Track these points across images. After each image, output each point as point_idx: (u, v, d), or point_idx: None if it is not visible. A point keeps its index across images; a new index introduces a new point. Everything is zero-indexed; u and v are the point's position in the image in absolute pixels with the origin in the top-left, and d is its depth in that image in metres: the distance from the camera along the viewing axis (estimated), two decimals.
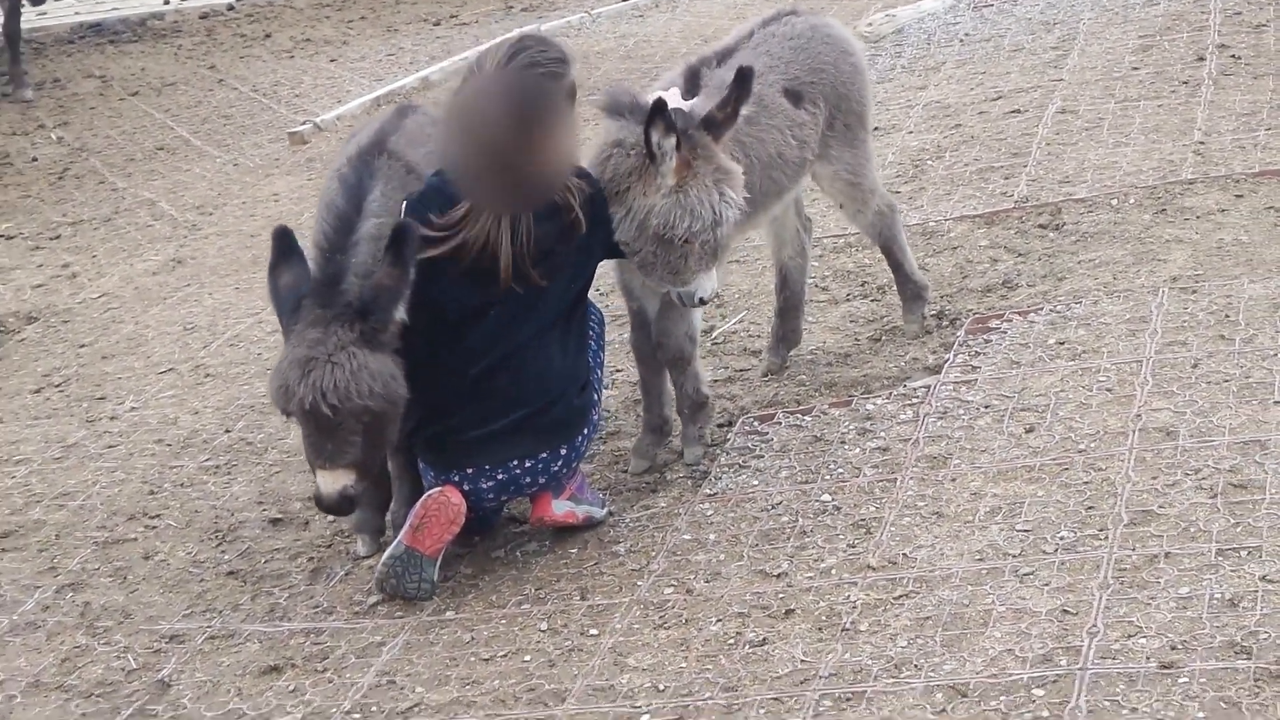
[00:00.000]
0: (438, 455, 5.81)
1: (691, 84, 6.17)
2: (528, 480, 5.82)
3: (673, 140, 5.66)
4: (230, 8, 17.72)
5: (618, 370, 7.21)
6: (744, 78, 5.84)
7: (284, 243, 5.61)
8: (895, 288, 7.15)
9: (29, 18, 15.43)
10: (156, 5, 18.08)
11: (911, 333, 7.00)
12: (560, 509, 5.91)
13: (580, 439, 5.88)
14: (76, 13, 18.04)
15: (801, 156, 6.52)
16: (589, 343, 5.96)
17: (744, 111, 5.87)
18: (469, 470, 5.76)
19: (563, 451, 5.82)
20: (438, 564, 5.75)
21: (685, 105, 5.88)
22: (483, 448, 5.75)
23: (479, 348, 5.69)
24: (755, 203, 6.20)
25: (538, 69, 5.51)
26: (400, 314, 5.45)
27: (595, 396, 5.98)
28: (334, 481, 5.46)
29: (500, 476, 5.78)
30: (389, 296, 5.42)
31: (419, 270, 5.47)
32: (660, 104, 5.63)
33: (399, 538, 5.74)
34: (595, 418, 5.98)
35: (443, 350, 5.71)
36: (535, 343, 5.71)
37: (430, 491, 5.77)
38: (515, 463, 5.77)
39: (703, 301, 5.91)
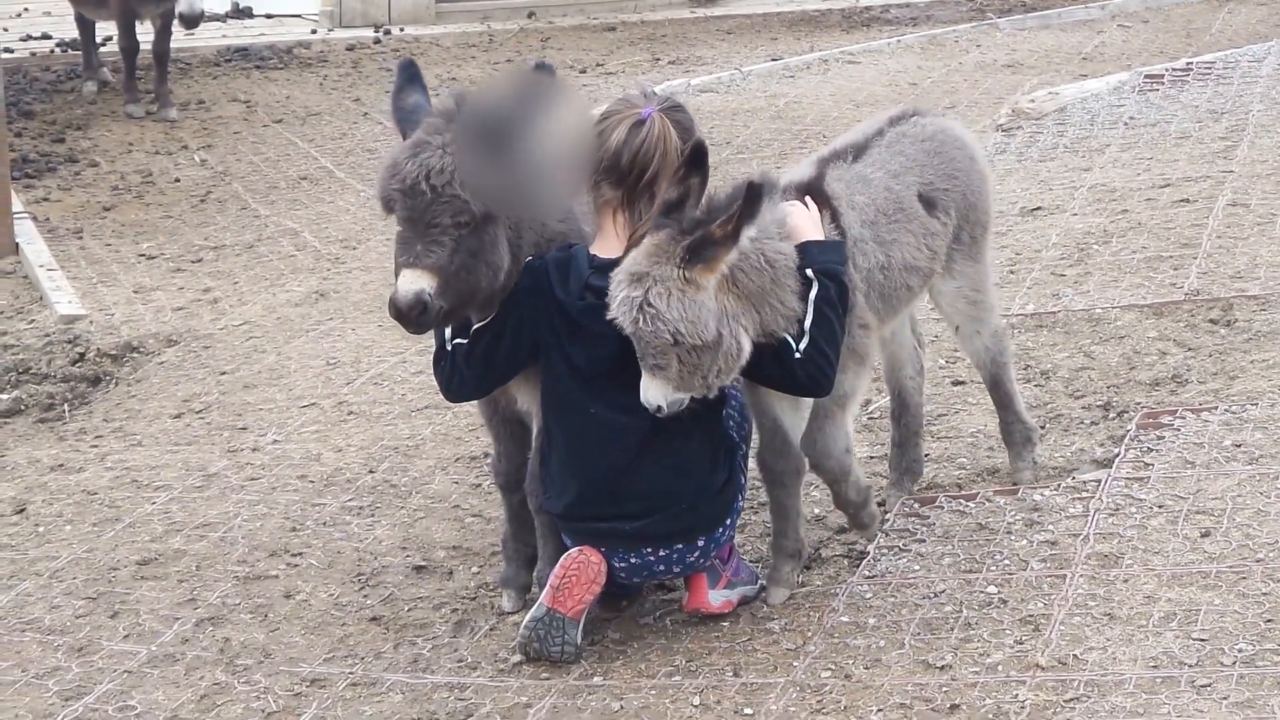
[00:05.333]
0: (573, 537, 5.71)
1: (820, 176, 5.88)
2: (661, 568, 5.69)
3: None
4: (377, 41, 17.76)
5: None
6: (754, 196, 5.21)
7: (409, 71, 5.82)
8: (1000, 430, 6.58)
9: (177, 38, 15.46)
10: (304, 34, 18.15)
11: (1024, 480, 6.43)
12: (717, 600, 5.74)
13: (721, 530, 5.70)
14: (224, 36, 18.13)
15: (930, 268, 6.13)
16: (729, 426, 5.74)
17: (749, 234, 5.24)
18: (602, 549, 5.64)
19: (699, 543, 5.66)
20: (580, 626, 5.59)
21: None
22: (614, 538, 5.63)
23: (595, 451, 5.57)
24: (890, 308, 5.98)
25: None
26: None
27: (741, 479, 5.76)
28: (413, 280, 5.32)
29: (633, 560, 5.65)
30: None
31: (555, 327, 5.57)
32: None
33: (540, 599, 5.62)
34: (738, 505, 5.80)
35: (565, 444, 5.64)
36: (655, 452, 5.54)
37: (569, 551, 5.66)
38: (649, 550, 5.63)
39: (649, 405, 5.34)
